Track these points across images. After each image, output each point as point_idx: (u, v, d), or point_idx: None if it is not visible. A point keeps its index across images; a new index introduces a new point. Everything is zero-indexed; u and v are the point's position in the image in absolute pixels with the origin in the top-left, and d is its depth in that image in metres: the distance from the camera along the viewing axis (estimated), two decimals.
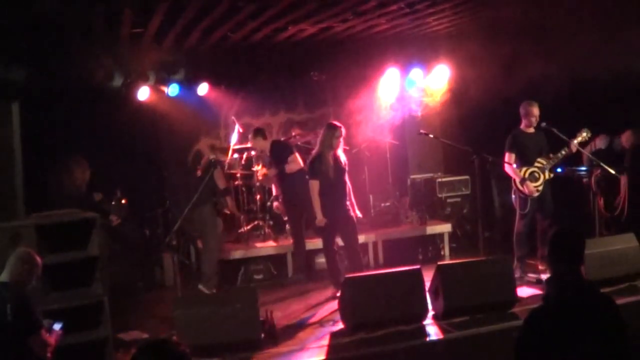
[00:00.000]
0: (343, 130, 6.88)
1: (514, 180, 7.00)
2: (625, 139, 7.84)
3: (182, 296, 6.51)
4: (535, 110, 6.94)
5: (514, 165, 6.97)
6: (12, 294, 4.17)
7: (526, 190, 6.88)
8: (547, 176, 6.96)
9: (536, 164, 6.97)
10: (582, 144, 6.96)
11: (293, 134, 9.33)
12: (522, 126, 7.06)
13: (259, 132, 8.01)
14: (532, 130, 7.04)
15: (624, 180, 7.64)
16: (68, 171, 7.21)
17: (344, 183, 6.91)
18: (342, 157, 6.96)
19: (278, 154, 7.73)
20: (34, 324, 4.19)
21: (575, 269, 3.17)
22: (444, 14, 7.76)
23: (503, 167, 7.04)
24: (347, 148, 7.39)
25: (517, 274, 6.54)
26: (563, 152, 6.88)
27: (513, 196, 7.11)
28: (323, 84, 9.76)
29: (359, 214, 7.10)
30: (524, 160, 7.01)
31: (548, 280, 3.29)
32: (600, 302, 3.14)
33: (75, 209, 5.88)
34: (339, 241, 7.08)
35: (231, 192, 7.06)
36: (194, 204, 6.53)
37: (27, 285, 4.35)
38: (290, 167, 7.56)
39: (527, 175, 6.94)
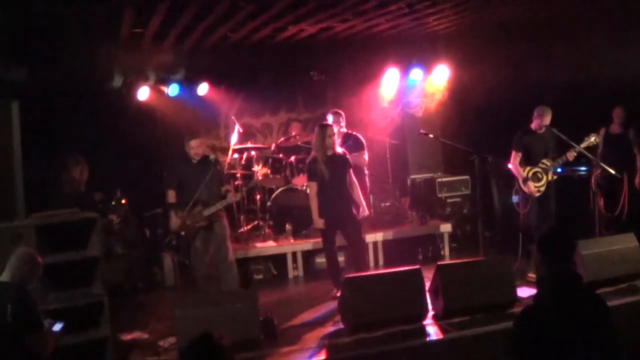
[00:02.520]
0: (335, 129, 6.79)
1: (517, 179, 7.03)
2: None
3: (182, 296, 6.51)
4: (547, 119, 6.97)
5: (517, 165, 7.00)
6: (13, 294, 4.16)
7: (527, 190, 6.90)
8: (550, 177, 6.99)
9: (540, 165, 6.99)
10: (589, 149, 6.97)
11: (293, 133, 9.32)
12: (533, 126, 7.09)
13: None
14: (541, 130, 7.06)
15: (626, 178, 7.66)
16: (66, 170, 7.19)
17: (344, 183, 6.79)
18: (342, 155, 6.82)
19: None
20: (34, 324, 4.18)
21: (567, 268, 3.16)
22: (444, 14, 7.76)
23: (506, 165, 7.07)
24: None
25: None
26: (565, 158, 6.91)
27: (515, 195, 7.14)
28: (323, 84, 9.77)
29: (366, 212, 7.05)
30: (529, 160, 7.04)
31: (540, 279, 3.28)
32: (592, 302, 3.13)
33: (75, 208, 5.87)
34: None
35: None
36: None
37: (28, 285, 4.35)
38: None
39: (529, 175, 6.97)
